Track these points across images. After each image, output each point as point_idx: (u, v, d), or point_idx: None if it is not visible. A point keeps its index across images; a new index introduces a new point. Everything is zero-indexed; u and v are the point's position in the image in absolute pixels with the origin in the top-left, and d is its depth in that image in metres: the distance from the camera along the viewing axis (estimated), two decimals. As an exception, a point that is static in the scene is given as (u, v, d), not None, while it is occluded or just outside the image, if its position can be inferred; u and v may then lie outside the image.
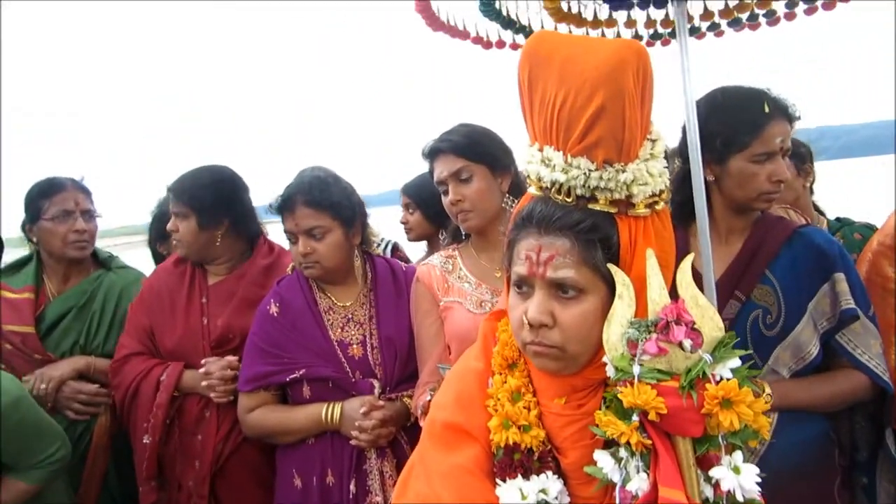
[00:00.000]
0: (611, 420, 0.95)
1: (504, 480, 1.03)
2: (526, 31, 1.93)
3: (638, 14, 1.95)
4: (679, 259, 1.04)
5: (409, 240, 3.24)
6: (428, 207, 3.00)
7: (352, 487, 1.92)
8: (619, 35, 2.00)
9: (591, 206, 1.02)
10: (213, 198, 2.23)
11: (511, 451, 1.05)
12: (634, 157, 1.02)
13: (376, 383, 2.00)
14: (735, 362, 0.95)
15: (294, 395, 2.05)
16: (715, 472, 0.94)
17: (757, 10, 1.84)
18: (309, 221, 1.98)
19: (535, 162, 1.06)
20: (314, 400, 2.00)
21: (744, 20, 1.90)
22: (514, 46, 1.99)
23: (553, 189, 1.04)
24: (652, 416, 0.92)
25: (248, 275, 2.31)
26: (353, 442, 1.92)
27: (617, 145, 1.00)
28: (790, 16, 1.87)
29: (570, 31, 1.93)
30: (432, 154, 1.94)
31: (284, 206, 2.01)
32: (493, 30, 1.98)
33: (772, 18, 1.88)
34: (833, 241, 1.78)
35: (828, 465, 1.76)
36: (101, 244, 2.63)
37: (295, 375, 1.98)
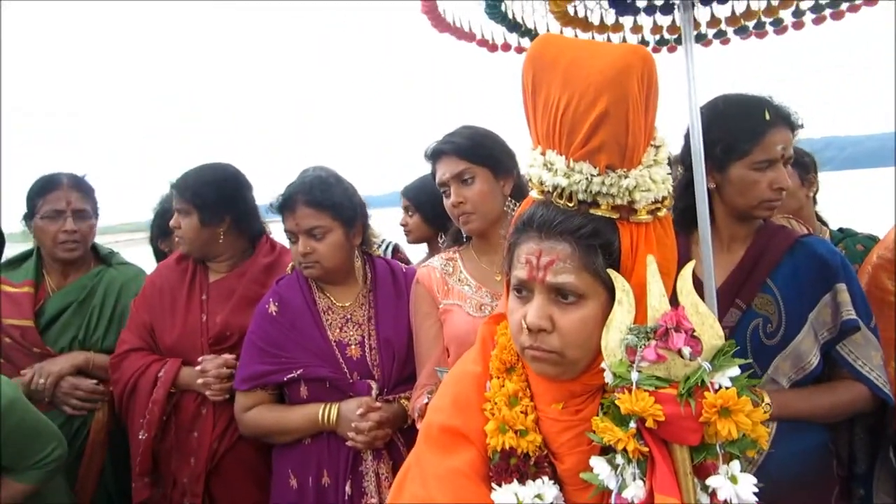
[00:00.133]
0: (608, 426, 0.94)
1: (500, 485, 1.03)
2: (531, 34, 1.93)
3: (644, 20, 1.95)
4: (680, 266, 1.03)
5: (409, 242, 3.25)
6: (427, 210, 3.00)
7: (347, 489, 1.92)
8: (624, 40, 2.00)
9: (592, 211, 1.01)
10: (215, 195, 2.24)
11: (507, 455, 1.04)
12: (637, 162, 1.01)
13: (374, 384, 1.99)
14: (734, 371, 0.94)
15: (291, 395, 2.04)
16: (712, 481, 0.93)
17: (764, 19, 1.84)
18: (309, 221, 1.98)
19: (537, 165, 1.05)
20: (311, 400, 2.00)
21: (750, 28, 1.90)
22: (520, 50, 1.99)
23: (555, 193, 1.03)
24: (649, 423, 0.91)
25: (249, 273, 2.31)
26: (349, 443, 1.91)
27: (620, 150, 0.99)
28: (798, 25, 1.86)
29: (576, 36, 1.93)
30: (435, 155, 1.94)
31: (285, 206, 2.01)
32: (498, 32, 1.97)
33: (779, 27, 1.88)
34: (835, 251, 1.78)
35: (826, 475, 1.75)
36: (102, 241, 2.63)
37: (292, 375, 1.98)
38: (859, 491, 1.88)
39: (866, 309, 1.72)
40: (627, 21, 1.95)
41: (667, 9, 1.81)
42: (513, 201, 1.91)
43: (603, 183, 0.99)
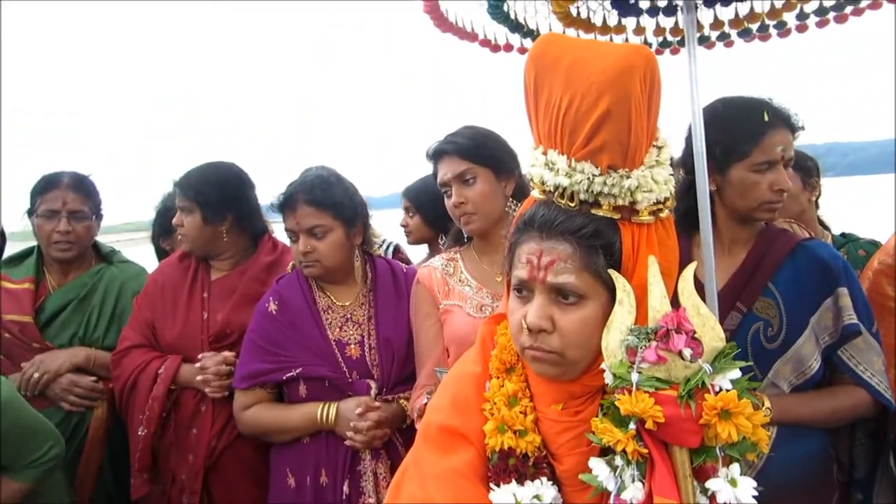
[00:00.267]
0: (607, 427, 0.93)
1: (498, 485, 1.02)
2: (533, 35, 1.93)
3: (647, 21, 1.95)
4: (681, 268, 1.03)
5: (409, 243, 3.25)
6: (428, 211, 3.00)
7: (345, 488, 1.91)
8: (627, 41, 2.00)
9: (594, 211, 1.01)
10: (218, 193, 2.25)
11: (506, 455, 1.04)
12: (640, 163, 1.01)
13: (373, 384, 1.99)
14: (735, 373, 0.94)
15: (290, 394, 2.04)
16: (711, 484, 0.92)
17: (767, 21, 1.83)
18: (310, 220, 1.98)
19: (539, 165, 1.05)
20: (310, 399, 1.99)
21: (754, 31, 1.90)
22: (522, 50, 1.99)
23: (556, 193, 1.03)
24: (649, 424, 0.91)
25: (251, 271, 2.32)
26: (347, 442, 1.91)
27: (622, 151, 0.99)
28: (801, 28, 1.86)
29: (579, 36, 1.93)
30: (436, 155, 1.94)
31: (286, 205, 2.01)
32: (500, 33, 1.97)
33: (782, 30, 1.88)
34: (837, 255, 1.77)
35: (826, 481, 1.75)
36: (103, 240, 2.63)
37: (291, 374, 1.97)
38: (858, 496, 1.87)
39: (868, 313, 1.71)
40: (630, 22, 1.95)
41: (670, 10, 1.81)
42: (514, 202, 1.91)
43: (605, 183, 0.99)
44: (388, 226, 3.05)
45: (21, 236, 2.55)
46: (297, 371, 1.97)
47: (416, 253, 3.41)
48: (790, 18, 1.83)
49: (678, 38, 1.98)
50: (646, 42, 2.02)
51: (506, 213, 1.91)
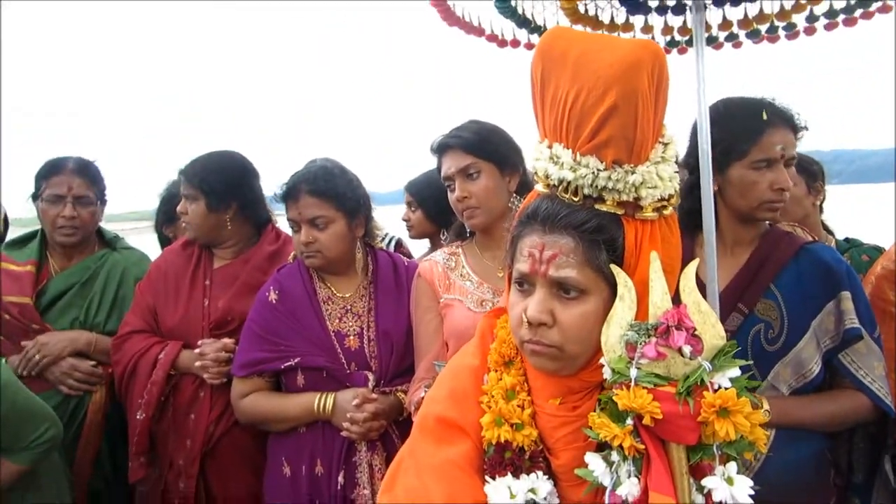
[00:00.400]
0: (604, 422, 0.93)
1: (493, 478, 1.02)
2: (541, 31, 1.92)
3: (655, 20, 1.94)
4: (684, 267, 1.03)
5: (410, 237, 3.26)
6: (430, 206, 3.01)
7: (340, 479, 1.92)
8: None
9: (597, 206, 1.01)
10: (222, 182, 2.26)
11: (502, 448, 1.04)
12: (645, 159, 1.01)
13: (371, 376, 1.99)
14: (735, 372, 0.93)
15: (288, 383, 2.04)
16: (707, 482, 0.92)
17: (777, 23, 1.82)
18: (312, 211, 1.98)
19: (544, 159, 1.04)
20: (308, 389, 1.99)
21: (763, 32, 1.88)
22: (529, 46, 1.98)
23: (560, 187, 1.02)
24: (647, 420, 0.91)
25: (253, 260, 2.33)
26: (343, 433, 1.91)
27: (627, 146, 0.98)
28: (810, 30, 1.85)
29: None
30: (441, 149, 1.93)
31: (289, 195, 2.01)
32: (508, 28, 1.96)
33: (791, 32, 1.86)
34: (840, 258, 1.76)
35: (824, 484, 1.74)
36: (106, 228, 2.64)
37: (290, 363, 1.98)
38: (856, 501, 1.86)
39: (870, 318, 1.70)
40: (638, 21, 1.94)
41: (678, 10, 1.80)
42: (518, 197, 1.90)
43: (609, 178, 0.98)
44: (387, 224, 3.05)
45: (27, 222, 2.56)
46: (296, 361, 1.98)
47: (418, 248, 3.41)
48: (799, 20, 1.82)
49: (686, 38, 1.97)
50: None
51: (509, 209, 1.90)
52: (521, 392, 1.08)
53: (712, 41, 1.95)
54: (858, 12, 1.77)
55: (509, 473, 1.02)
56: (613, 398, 0.93)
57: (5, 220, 3.62)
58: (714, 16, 1.87)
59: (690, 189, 1.73)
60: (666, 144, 1.04)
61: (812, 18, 1.79)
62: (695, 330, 0.93)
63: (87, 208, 2.41)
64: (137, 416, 2.18)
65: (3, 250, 2.48)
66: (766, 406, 1.62)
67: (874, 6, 1.74)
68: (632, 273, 0.99)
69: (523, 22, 1.90)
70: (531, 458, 1.04)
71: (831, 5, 1.76)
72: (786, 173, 1.72)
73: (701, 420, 0.91)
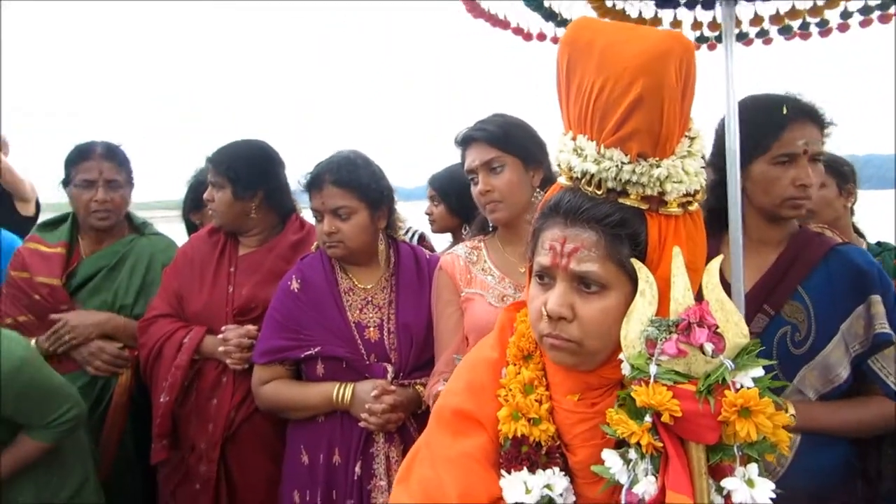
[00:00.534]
0: (622, 419, 0.92)
1: (509, 472, 1.02)
2: (567, 24, 1.90)
3: (684, 14, 1.91)
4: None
5: (433, 231, 3.27)
6: (452, 201, 3.01)
7: (357, 469, 1.92)
8: (663, 35, 1.96)
9: (621, 200, 0.99)
10: (249, 170, 2.29)
11: (519, 443, 1.03)
12: (670, 152, 0.99)
13: (390, 368, 1.99)
14: (758, 371, 0.91)
15: (308, 372, 2.06)
16: (727, 483, 0.90)
17: (809, 19, 1.78)
18: (336, 201, 1.99)
19: (567, 151, 1.03)
20: (327, 378, 2.00)
21: (795, 28, 1.84)
22: (555, 40, 1.96)
23: (583, 180, 1.01)
24: (665, 417, 0.89)
25: (277, 248, 2.35)
26: (361, 424, 1.92)
27: (653, 139, 0.96)
28: (843, 27, 1.80)
29: (614, 25, 1.90)
30: (465, 142, 1.92)
31: (313, 184, 2.02)
32: (534, 22, 1.95)
33: (824, 28, 1.82)
34: (872, 261, 1.71)
35: (849, 493, 1.70)
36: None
37: (310, 352, 1.99)
38: (882, 510, 1.82)
39: (902, 322, 1.66)
40: (667, 15, 1.91)
41: (708, 4, 1.77)
42: (541, 193, 1.89)
43: (633, 171, 0.97)
44: (412, 218, 3.06)
45: (57, 207, 2.61)
46: (316, 350, 1.99)
47: (440, 243, 3.42)
48: (833, 16, 1.77)
49: (716, 34, 1.93)
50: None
51: (532, 204, 1.88)
52: (540, 387, 1.07)
53: (742, 37, 1.91)
54: (893, 8, 1.72)
55: (525, 468, 1.01)
56: (632, 394, 0.92)
57: (37, 203, 3.70)
58: (745, 11, 1.83)
59: (715, 187, 1.71)
60: (693, 138, 1.02)
61: (846, 15, 1.74)
62: (717, 327, 0.91)
63: (118, 191, 2.46)
64: (161, 399, 2.22)
65: (36, 231, 2.55)
66: (791, 410, 1.59)
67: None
68: (654, 269, 0.97)
69: (550, 15, 1.89)
70: (548, 453, 1.03)
71: (866, 1, 1.72)
72: (808, 169, 1.67)
73: (721, 419, 0.89)
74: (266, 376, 2.06)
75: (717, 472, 0.93)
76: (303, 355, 2.00)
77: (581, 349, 0.99)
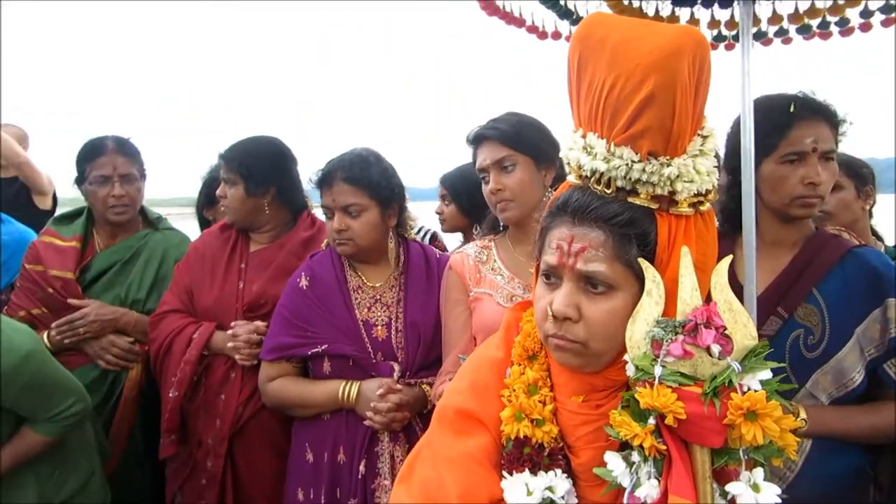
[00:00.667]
0: (625, 420, 0.90)
1: (510, 473, 1.00)
2: (581, 22, 1.89)
3: (702, 13, 1.88)
4: (718, 264, 0.99)
5: (443, 230, 3.27)
6: (463, 200, 3.01)
7: (361, 468, 1.92)
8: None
9: (630, 199, 0.97)
10: (261, 166, 2.29)
11: (521, 444, 1.02)
12: (682, 151, 0.97)
13: (396, 367, 1.98)
14: (766, 374, 0.89)
15: (315, 370, 2.05)
16: (732, 488, 0.88)
17: (829, 18, 1.75)
18: (346, 198, 1.98)
19: (577, 149, 1.01)
20: (334, 376, 2.00)
21: (814, 28, 1.81)
22: (570, 38, 1.95)
23: (593, 178, 0.99)
24: (669, 420, 0.87)
25: (289, 245, 2.35)
26: (366, 423, 1.91)
27: (664, 137, 0.95)
28: (865, 26, 1.77)
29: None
30: (477, 140, 1.91)
31: (324, 181, 2.02)
32: (549, 20, 1.94)
33: (845, 27, 1.79)
34: (890, 263, 1.67)
35: (861, 501, 1.67)
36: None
37: (317, 350, 1.99)
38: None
39: (919, 327, 1.62)
40: (684, 14, 1.89)
41: (725, 2, 1.74)
42: (553, 192, 1.87)
43: (643, 170, 0.95)
44: (424, 217, 3.06)
45: (72, 202, 2.63)
46: (323, 348, 1.98)
47: (451, 242, 3.42)
48: (853, 15, 1.74)
49: (733, 33, 1.91)
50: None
51: (543, 203, 1.87)
52: (544, 387, 1.06)
53: (761, 36, 1.89)
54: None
55: (527, 470, 1.00)
56: (635, 396, 0.90)
57: (54, 197, 3.74)
58: (763, 10, 1.81)
59: (728, 188, 1.69)
60: (705, 137, 1.00)
61: (866, 13, 1.71)
62: (724, 329, 0.89)
63: (133, 185, 2.48)
64: (170, 394, 2.23)
65: (51, 225, 2.57)
66: (803, 415, 1.56)
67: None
68: (663, 270, 0.96)
69: (565, 13, 1.87)
70: (550, 455, 1.02)
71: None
72: (818, 167, 1.64)
73: (727, 423, 0.87)
74: (273, 373, 2.07)
75: (723, 477, 0.91)
76: (310, 353, 2.00)
77: (586, 350, 0.97)
